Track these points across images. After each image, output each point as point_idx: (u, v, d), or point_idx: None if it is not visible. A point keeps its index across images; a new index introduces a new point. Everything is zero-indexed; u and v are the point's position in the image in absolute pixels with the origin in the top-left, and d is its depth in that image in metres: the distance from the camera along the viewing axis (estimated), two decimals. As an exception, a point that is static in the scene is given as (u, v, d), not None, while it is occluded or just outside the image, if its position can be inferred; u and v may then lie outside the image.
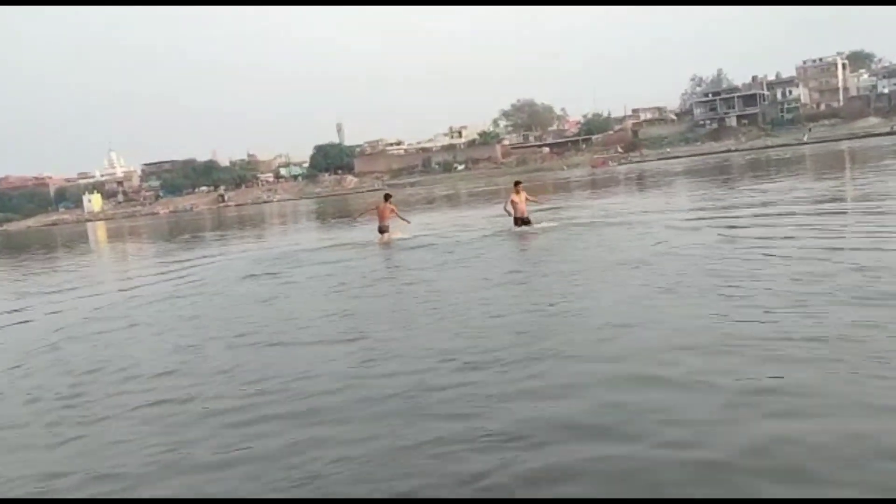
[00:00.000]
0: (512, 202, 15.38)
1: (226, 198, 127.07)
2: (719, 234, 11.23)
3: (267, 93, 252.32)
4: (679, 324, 6.33)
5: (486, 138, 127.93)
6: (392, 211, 16.47)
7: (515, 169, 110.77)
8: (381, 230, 16.46)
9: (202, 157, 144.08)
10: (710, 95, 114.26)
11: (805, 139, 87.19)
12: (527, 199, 15.48)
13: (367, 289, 10.31)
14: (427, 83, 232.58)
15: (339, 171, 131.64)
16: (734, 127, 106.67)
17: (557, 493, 3.56)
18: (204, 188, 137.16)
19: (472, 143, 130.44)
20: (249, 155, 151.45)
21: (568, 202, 27.03)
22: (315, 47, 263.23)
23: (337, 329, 7.64)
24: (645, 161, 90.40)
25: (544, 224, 15.77)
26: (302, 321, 8.30)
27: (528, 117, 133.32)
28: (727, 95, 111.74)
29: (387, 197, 16.72)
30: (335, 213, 45.67)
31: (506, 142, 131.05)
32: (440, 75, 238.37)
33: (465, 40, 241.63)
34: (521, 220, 15.28)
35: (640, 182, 39.58)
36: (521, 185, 15.52)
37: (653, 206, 19.18)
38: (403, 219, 17.10)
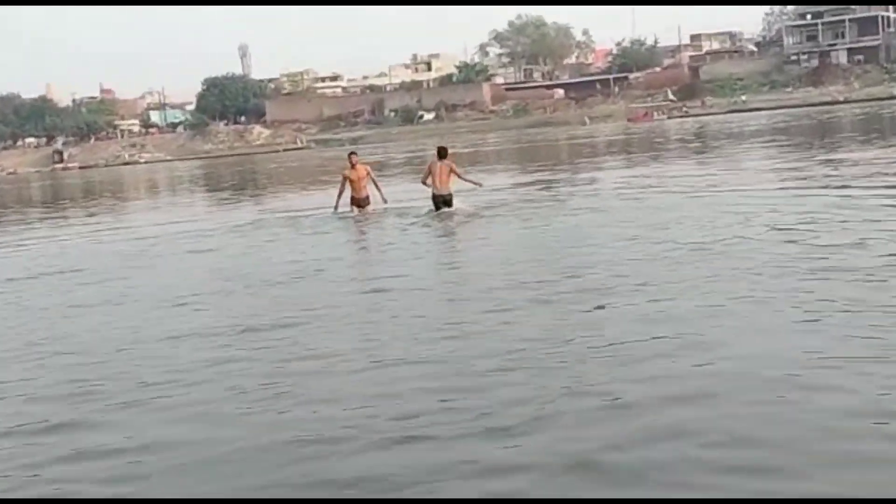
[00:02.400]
0: (429, 172, 17.49)
1: (65, 155, 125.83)
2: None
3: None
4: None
5: (469, 73, 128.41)
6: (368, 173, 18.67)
7: (512, 120, 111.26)
8: (358, 203, 18.43)
9: (29, 92, 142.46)
10: (809, 17, 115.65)
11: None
12: (451, 172, 17.34)
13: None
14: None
15: (242, 119, 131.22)
16: (844, 65, 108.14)
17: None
18: (31, 140, 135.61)
19: (446, 81, 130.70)
20: (103, 91, 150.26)
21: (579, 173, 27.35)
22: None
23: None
24: (709, 113, 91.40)
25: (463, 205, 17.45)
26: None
27: (533, 44, 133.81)
28: (834, 18, 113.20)
29: (350, 155, 19.10)
30: (237, 183, 45.57)
31: (498, 79, 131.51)
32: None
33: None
34: (442, 200, 17.20)
35: (699, 145, 40.08)
36: (446, 154, 17.53)
37: (708, 184, 19.53)
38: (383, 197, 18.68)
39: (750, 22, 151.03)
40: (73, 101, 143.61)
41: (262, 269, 12.34)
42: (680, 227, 12.72)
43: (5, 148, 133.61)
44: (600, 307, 8.20)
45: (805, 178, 18.80)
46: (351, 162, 18.45)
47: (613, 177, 23.97)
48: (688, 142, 43.84)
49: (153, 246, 16.52)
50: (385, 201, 18.37)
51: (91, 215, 27.78)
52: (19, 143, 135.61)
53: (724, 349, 6.54)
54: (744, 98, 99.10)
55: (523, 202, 18.71)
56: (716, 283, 8.76)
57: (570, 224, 14.52)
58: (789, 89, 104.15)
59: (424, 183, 17.58)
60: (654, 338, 6.94)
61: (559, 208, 17.14)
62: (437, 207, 17.07)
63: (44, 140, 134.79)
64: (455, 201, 17.19)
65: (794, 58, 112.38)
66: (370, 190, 18.49)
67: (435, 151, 17.62)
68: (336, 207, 18.11)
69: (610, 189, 20.03)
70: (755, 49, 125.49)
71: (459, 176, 17.60)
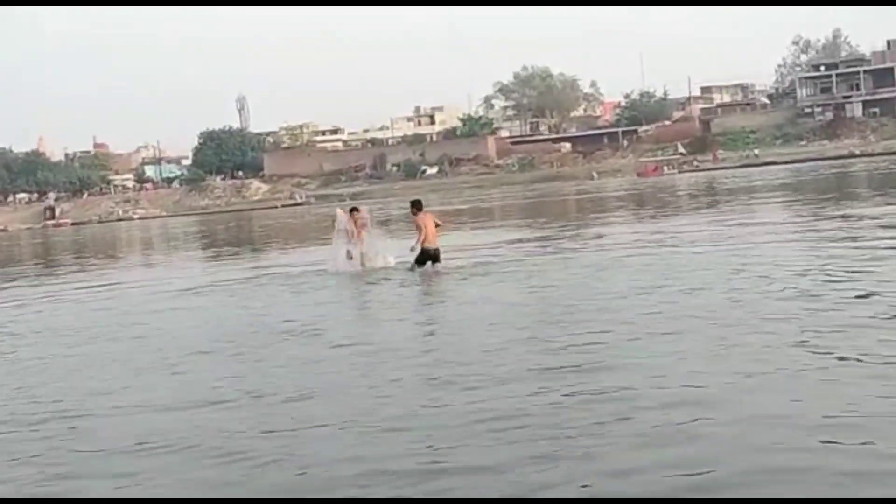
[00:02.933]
0: (416, 228, 17.61)
1: (57, 211, 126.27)
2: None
3: (123, 47, 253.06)
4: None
5: (473, 127, 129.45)
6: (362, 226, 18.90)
7: (518, 174, 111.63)
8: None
9: (21, 146, 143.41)
10: (823, 69, 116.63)
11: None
12: (436, 224, 17.66)
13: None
14: (383, 39, 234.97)
15: (240, 174, 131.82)
16: (859, 118, 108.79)
17: None
18: (22, 195, 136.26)
19: (450, 134, 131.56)
20: (97, 145, 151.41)
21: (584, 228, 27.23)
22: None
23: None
24: (720, 167, 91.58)
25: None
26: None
27: (539, 96, 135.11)
28: (848, 69, 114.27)
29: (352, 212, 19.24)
30: (236, 239, 45.55)
31: (504, 133, 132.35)
32: (402, 26, 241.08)
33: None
34: (432, 254, 17.36)
35: (710, 199, 39.97)
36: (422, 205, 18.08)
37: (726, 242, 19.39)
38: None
39: (762, 73, 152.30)
40: (66, 155, 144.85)
41: (249, 329, 12.20)
42: (687, 285, 12.57)
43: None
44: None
45: (818, 233, 18.70)
46: (353, 218, 18.81)
47: (621, 232, 23.87)
48: (698, 196, 43.84)
49: (143, 304, 16.45)
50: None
51: (82, 271, 27.83)
52: (10, 198, 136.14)
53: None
54: (756, 152, 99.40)
55: (525, 258, 18.60)
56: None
57: (573, 282, 14.33)
58: (803, 142, 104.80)
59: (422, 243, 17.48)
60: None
61: (563, 265, 16.97)
62: (424, 263, 17.15)
63: (35, 195, 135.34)
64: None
65: (807, 110, 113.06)
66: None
67: (411, 205, 18.05)
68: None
69: (617, 244, 19.89)
70: (767, 101, 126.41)
71: (439, 225, 17.84)
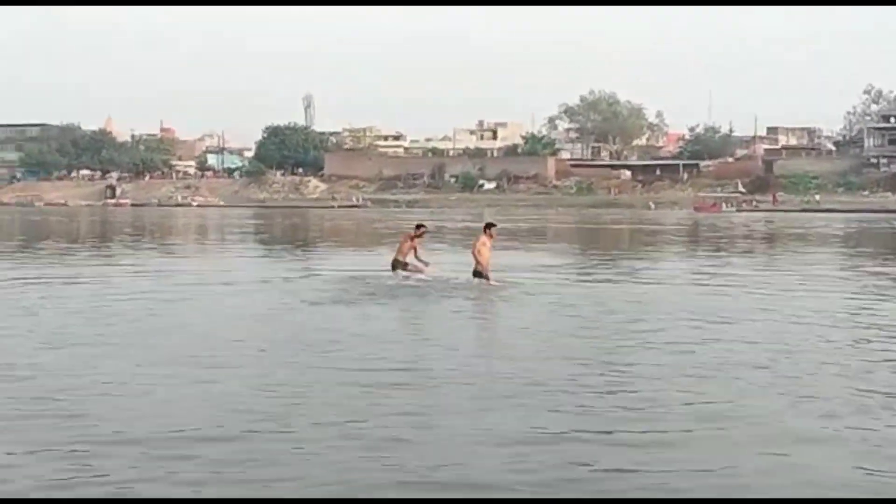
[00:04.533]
0: (478, 249, 18.22)
1: (118, 191, 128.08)
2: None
3: (198, 37, 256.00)
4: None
5: (535, 146, 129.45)
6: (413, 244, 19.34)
7: (575, 197, 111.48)
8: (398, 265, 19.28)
9: (89, 124, 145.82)
10: (893, 121, 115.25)
11: None
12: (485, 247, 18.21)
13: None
14: (450, 55, 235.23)
15: (300, 171, 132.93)
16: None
17: None
18: (86, 172, 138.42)
19: (511, 151, 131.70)
20: (163, 129, 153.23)
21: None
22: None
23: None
24: (779, 210, 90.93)
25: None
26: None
27: (603, 121, 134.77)
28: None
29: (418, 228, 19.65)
30: (293, 239, 45.93)
31: (565, 154, 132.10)
32: (470, 49, 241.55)
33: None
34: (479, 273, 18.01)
35: (767, 245, 39.75)
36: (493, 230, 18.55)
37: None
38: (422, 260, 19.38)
39: (830, 119, 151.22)
40: (132, 136, 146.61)
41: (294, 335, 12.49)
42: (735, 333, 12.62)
43: (59, 178, 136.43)
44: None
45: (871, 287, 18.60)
46: (418, 232, 19.36)
47: (677, 268, 23.80)
48: (757, 239, 43.64)
49: (190, 296, 16.82)
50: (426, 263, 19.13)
51: (135, 254, 28.33)
52: (73, 174, 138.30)
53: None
54: (817, 198, 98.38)
55: (577, 282, 18.72)
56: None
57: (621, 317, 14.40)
58: (866, 192, 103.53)
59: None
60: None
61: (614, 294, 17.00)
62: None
63: (98, 174, 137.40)
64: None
65: (873, 160, 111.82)
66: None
67: (484, 225, 18.70)
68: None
69: (671, 281, 19.91)
70: (833, 148, 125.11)
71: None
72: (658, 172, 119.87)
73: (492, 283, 17.71)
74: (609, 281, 20.24)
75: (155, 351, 11.03)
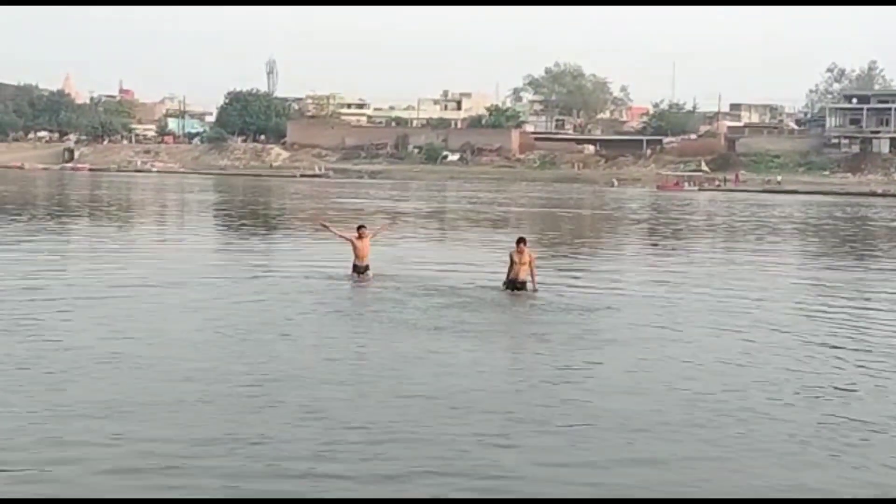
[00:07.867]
0: (524, 262, 18.00)
1: (76, 154, 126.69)
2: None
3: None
4: None
5: (499, 118, 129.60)
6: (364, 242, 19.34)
7: (538, 171, 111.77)
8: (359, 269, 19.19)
9: (47, 83, 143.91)
10: (855, 101, 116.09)
11: None
12: (528, 261, 17.95)
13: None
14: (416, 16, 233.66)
15: (261, 138, 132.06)
16: (885, 155, 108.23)
17: None
18: (43, 134, 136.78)
19: (475, 122, 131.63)
20: (123, 91, 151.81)
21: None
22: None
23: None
24: (741, 190, 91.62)
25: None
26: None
27: (568, 94, 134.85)
28: (880, 104, 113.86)
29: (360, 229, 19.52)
30: (248, 208, 45.70)
31: (529, 127, 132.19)
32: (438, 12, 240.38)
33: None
34: (514, 284, 17.89)
35: (728, 233, 40.06)
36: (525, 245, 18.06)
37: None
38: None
39: (793, 97, 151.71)
40: (91, 98, 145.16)
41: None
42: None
43: (16, 139, 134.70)
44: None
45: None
46: (360, 234, 19.25)
47: (639, 268, 23.74)
48: (717, 225, 44.02)
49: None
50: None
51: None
52: (30, 136, 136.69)
53: None
54: (779, 179, 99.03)
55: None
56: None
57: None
58: (826, 173, 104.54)
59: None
60: None
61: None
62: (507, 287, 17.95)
63: (56, 135, 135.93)
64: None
65: (834, 141, 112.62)
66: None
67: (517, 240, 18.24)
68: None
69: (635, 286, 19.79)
70: (795, 126, 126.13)
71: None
72: (621, 148, 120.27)
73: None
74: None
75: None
